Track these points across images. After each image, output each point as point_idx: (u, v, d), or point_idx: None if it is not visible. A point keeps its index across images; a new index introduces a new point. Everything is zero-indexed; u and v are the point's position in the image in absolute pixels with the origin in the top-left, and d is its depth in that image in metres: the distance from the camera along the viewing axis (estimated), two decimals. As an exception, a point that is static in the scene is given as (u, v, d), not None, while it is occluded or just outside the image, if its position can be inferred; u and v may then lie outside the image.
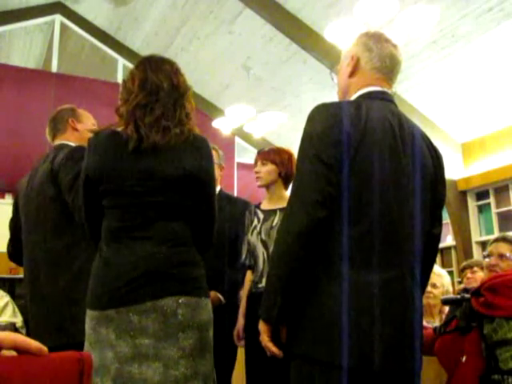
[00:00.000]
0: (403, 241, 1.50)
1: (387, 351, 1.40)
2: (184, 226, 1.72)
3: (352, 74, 1.69)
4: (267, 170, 2.79)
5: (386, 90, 1.66)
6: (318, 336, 1.41)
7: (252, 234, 2.79)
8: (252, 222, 2.84)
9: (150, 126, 1.69)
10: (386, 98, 1.64)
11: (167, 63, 1.83)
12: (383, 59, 1.66)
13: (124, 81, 1.82)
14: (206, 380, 1.62)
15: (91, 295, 1.68)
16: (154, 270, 1.63)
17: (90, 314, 1.66)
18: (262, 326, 1.52)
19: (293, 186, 1.54)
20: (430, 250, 1.69)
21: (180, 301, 1.62)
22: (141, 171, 1.67)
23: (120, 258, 1.66)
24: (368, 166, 1.47)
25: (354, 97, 1.66)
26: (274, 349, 1.50)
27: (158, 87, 1.75)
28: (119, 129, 1.75)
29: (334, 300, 1.41)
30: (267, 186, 2.83)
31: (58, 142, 2.34)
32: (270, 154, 2.84)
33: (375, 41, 1.68)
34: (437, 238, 1.71)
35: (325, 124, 1.50)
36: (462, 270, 4.10)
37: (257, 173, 2.83)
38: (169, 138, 1.69)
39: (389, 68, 1.67)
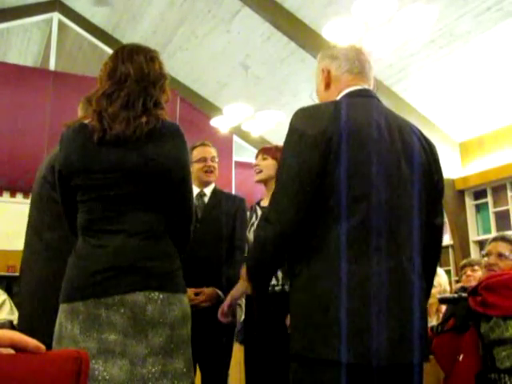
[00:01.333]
0: (399, 231, 1.51)
1: (386, 345, 1.40)
2: (156, 217, 1.67)
3: (327, 86, 1.75)
4: (267, 164, 2.79)
5: (365, 87, 1.69)
6: (317, 334, 1.42)
7: (250, 231, 2.80)
8: (251, 219, 2.85)
9: (113, 117, 1.65)
10: (367, 95, 1.67)
11: (141, 52, 1.78)
12: (352, 61, 1.73)
13: (100, 70, 1.80)
14: (176, 379, 1.57)
15: (62, 289, 1.64)
16: (123, 263, 1.59)
17: (60, 309, 1.62)
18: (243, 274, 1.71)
19: (274, 191, 1.56)
20: (434, 242, 1.69)
21: (150, 296, 1.56)
22: (105, 163, 1.64)
23: (90, 252, 1.62)
24: (354, 160, 1.48)
25: (337, 98, 1.69)
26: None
27: (126, 76, 1.71)
28: (87, 121, 1.72)
29: (331, 295, 1.42)
30: (265, 182, 2.83)
31: None
32: (271, 150, 2.84)
33: (338, 50, 1.77)
34: (439, 229, 1.71)
35: (303, 127, 1.53)
36: (461, 268, 4.11)
37: (256, 165, 2.82)
38: (133, 128, 1.64)
39: (360, 67, 1.73)
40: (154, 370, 1.53)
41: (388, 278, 1.44)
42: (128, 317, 1.54)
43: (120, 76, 1.72)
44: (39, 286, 2.08)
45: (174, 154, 1.69)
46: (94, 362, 1.50)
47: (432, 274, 1.72)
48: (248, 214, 2.93)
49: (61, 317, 1.61)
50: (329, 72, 1.74)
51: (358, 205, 1.46)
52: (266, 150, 2.85)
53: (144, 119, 1.66)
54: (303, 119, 1.55)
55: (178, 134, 1.73)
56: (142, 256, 1.61)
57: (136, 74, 1.72)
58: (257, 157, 2.87)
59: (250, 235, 2.78)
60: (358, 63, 1.72)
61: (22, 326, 2.14)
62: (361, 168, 1.48)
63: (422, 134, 1.69)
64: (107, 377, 1.49)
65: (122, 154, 1.65)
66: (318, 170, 1.46)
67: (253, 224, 2.81)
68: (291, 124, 1.57)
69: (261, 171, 2.81)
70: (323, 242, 1.46)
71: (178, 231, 1.75)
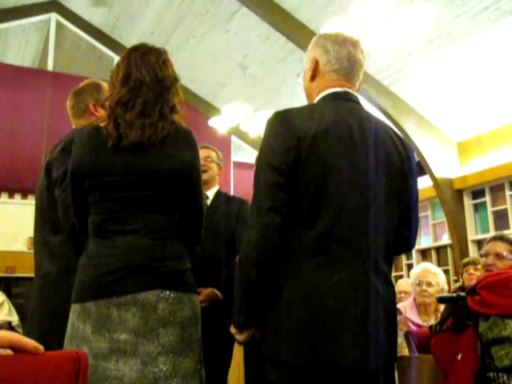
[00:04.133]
0: (365, 239, 1.50)
1: (350, 350, 1.41)
2: (167, 219, 1.70)
3: (313, 78, 1.71)
4: None
5: (346, 89, 1.66)
6: (284, 338, 1.43)
7: None
8: None
9: (129, 124, 1.67)
10: (346, 98, 1.64)
11: (153, 54, 1.79)
12: (341, 61, 1.67)
13: (111, 72, 1.81)
14: (187, 378, 1.59)
15: (74, 289, 1.66)
16: (135, 262, 1.61)
17: (71, 309, 1.64)
18: (232, 329, 1.62)
19: (252, 195, 1.56)
20: (405, 246, 1.71)
21: (161, 295, 1.58)
22: (119, 166, 1.66)
23: (102, 251, 1.64)
24: (322, 167, 1.48)
25: (315, 100, 1.67)
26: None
27: (141, 82, 1.72)
28: (102, 124, 1.74)
29: (297, 301, 1.43)
30: None
31: (73, 126, 2.30)
32: None
33: (332, 42, 1.69)
34: (406, 243, 1.72)
35: (275, 132, 1.53)
36: (463, 266, 4.11)
37: None
38: (149, 134, 1.66)
39: (347, 69, 1.67)
40: (165, 368, 1.55)
41: (351, 284, 1.45)
42: (139, 316, 1.56)
43: (135, 82, 1.72)
44: (44, 289, 2.09)
45: (185, 159, 1.71)
46: (105, 361, 1.52)
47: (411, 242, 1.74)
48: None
49: (73, 317, 1.62)
50: (317, 63, 1.69)
51: (321, 213, 1.47)
52: None
53: (160, 125, 1.69)
54: (276, 125, 1.55)
55: (190, 138, 1.76)
56: (153, 256, 1.64)
57: (151, 80, 1.73)
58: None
59: None
60: (347, 63, 1.67)
61: (31, 329, 2.14)
62: (330, 174, 1.48)
63: (399, 138, 1.67)
64: (119, 376, 1.51)
65: (136, 158, 1.67)
66: (289, 173, 1.46)
67: None
68: (265, 129, 1.57)
69: None
70: (291, 248, 1.47)
71: (189, 233, 1.78)
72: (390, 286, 1.57)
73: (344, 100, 1.63)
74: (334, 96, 1.64)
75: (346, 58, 1.67)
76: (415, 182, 1.69)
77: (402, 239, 1.67)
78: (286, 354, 1.42)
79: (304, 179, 1.47)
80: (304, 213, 1.47)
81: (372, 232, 1.51)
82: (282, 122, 1.54)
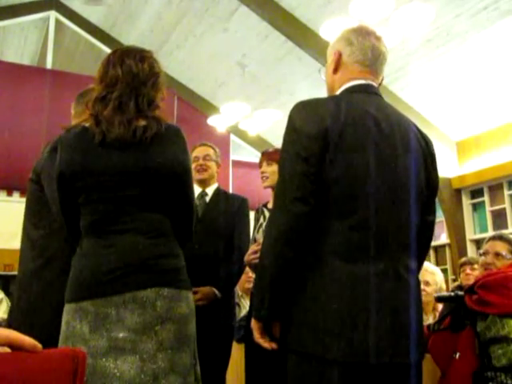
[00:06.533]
0: (395, 232, 1.50)
1: (381, 344, 1.40)
2: (162, 217, 1.71)
3: (336, 70, 1.70)
4: (273, 170, 2.78)
5: (370, 82, 1.66)
6: (311, 330, 1.42)
7: (258, 232, 2.80)
8: (258, 220, 2.85)
9: (109, 120, 1.67)
10: (369, 91, 1.64)
11: (132, 54, 1.79)
12: (365, 52, 1.66)
13: (95, 74, 1.83)
14: (184, 374, 1.60)
15: (68, 288, 1.66)
16: (133, 261, 1.62)
17: (66, 308, 1.64)
18: (253, 324, 1.53)
19: (276, 185, 1.54)
20: (425, 239, 1.68)
21: (159, 292, 1.60)
22: (110, 166, 1.66)
23: (98, 250, 1.65)
24: (351, 159, 1.47)
25: (338, 92, 1.66)
26: (267, 344, 1.51)
27: (116, 78, 1.73)
28: (88, 124, 1.75)
29: (326, 293, 1.41)
30: (273, 187, 2.83)
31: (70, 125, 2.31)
32: (275, 155, 2.82)
33: (356, 34, 1.68)
34: (431, 227, 1.72)
35: (303, 121, 1.51)
36: (460, 266, 4.12)
37: (263, 173, 2.82)
38: (131, 132, 1.66)
39: (371, 60, 1.67)
40: (163, 365, 1.56)
41: (382, 279, 1.44)
42: (138, 313, 1.57)
43: (111, 79, 1.74)
44: (25, 284, 2.08)
45: (177, 157, 1.72)
46: (104, 359, 1.53)
47: (419, 269, 1.72)
48: (253, 215, 2.93)
49: (67, 316, 1.62)
50: (340, 55, 1.68)
51: (352, 205, 1.45)
52: (269, 155, 2.83)
53: (142, 122, 1.68)
54: (302, 114, 1.53)
55: (180, 136, 1.76)
56: (151, 254, 1.65)
57: (125, 75, 1.74)
58: (261, 163, 2.86)
59: (259, 236, 2.78)
60: (371, 55, 1.66)
61: (14, 323, 2.14)
62: (359, 166, 1.47)
63: (420, 131, 1.68)
64: (118, 374, 1.52)
65: (126, 157, 1.67)
66: (317, 163, 1.45)
67: (261, 225, 2.81)
68: (290, 118, 1.56)
69: (268, 177, 2.81)
70: (317, 241, 1.45)
71: (181, 230, 1.78)
72: (417, 281, 1.57)
73: (368, 93, 1.63)
74: (357, 88, 1.63)
75: (370, 49, 1.67)
76: (437, 176, 1.70)
77: (425, 235, 1.67)
78: (314, 346, 1.40)
79: (332, 170, 1.45)
80: (331, 204, 1.45)
81: (400, 225, 1.51)
82: (309, 111, 1.53)
